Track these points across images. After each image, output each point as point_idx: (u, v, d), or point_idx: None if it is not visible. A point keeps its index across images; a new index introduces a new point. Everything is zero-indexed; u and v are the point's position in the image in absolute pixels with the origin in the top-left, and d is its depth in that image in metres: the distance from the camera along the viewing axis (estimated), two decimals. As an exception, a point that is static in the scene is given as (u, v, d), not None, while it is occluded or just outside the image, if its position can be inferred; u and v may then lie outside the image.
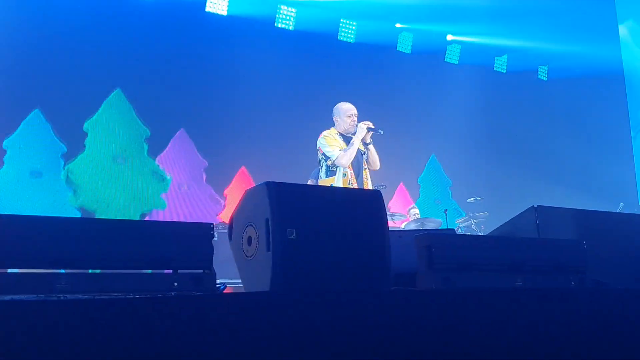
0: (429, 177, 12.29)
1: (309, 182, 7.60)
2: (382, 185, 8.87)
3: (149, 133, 9.21)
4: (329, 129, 6.04)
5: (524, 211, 3.70)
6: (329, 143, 5.88)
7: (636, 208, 11.37)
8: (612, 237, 3.44)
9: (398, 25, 12.04)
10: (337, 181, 5.77)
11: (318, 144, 5.96)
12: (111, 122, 9.03)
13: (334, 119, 6.04)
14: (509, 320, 2.98)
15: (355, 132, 5.87)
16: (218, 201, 9.84)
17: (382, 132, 6.00)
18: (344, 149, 5.82)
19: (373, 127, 5.96)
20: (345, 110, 5.99)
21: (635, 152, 13.66)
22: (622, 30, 13.44)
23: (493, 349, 2.92)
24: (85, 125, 8.91)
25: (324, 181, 5.89)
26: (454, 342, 2.84)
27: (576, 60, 13.53)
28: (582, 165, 13.30)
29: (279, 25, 11.04)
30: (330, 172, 5.87)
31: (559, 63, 13.76)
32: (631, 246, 2.29)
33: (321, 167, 5.96)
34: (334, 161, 5.82)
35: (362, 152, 6.01)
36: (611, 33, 13.49)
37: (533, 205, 3.65)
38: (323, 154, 5.89)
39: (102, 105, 9.06)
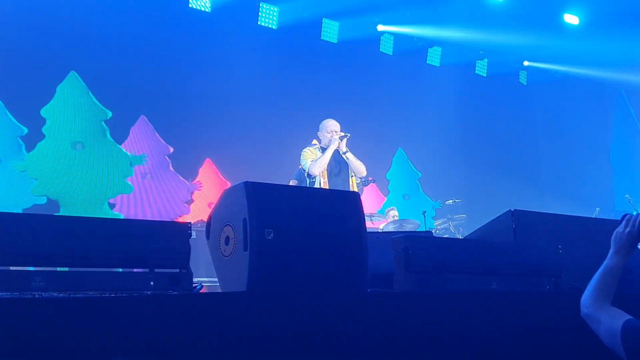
0: (397, 171, 12.33)
1: (291, 183, 7.61)
2: (371, 180, 8.89)
3: (109, 114, 9.01)
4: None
5: (501, 215, 3.73)
6: (305, 157, 6.24)
7: (612, 213, 11.49)
8: (587, 242, 3.48)
9: (380, 27, 12.06)
10: None
11: (301, 158, 6.28)
12: (65, 107, 8.75)
13: (318, 135, 6.38)
14: (484, 322, 3.01)
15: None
16: (185, 185, 9.73)
17: (348, 135, 6.29)
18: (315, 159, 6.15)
19: (342, 134, 6.24)
20: (327, 127, 6.32)
21: (612, 157, 13.83)
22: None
23: (468, 350, 2.95)
24: (43, 112, 8.68)
25: None
26: (429, 344, 2.86)
27: (555, 64, 13.67)
28: (560, 169, 13.44)
29: (262, 24, 11.01)
30: (311, 183, 6.17)
31: (538, 67, 13.88)
32: (606, 251, 2.32)
33: (306, 181, 6.26)
34: (307, 171, 6.16)
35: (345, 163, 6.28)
36: (591, 37, 13.62)
37: (510, 209, 3.68)
38: (302, 167, 6.25)
39: (58, 89, 8.81)
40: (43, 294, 2.37)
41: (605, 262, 2.33)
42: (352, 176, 6.30)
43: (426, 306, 2.97)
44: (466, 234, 6.43)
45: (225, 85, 10.15)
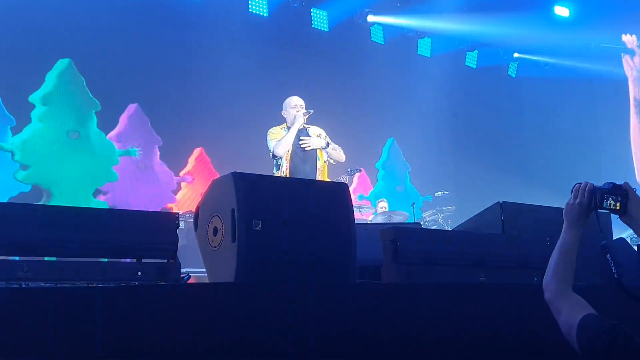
0: (389, 162, 12.35)
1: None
2: (357, 169, 8.90)
3: (99, 106, 8.98)
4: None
5: (490, 207, 3.74)
6: (271, 137, 5.74)
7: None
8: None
9: (370, 18, 12.03)
10: (280, 174, 5.64)
11: (267, 138, 5.80)
12: (62, 96, 8.70)
13: (282, 114, 5.94)
14: (472, 314, 3.02)
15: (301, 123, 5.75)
16: (172, 178, 9.72)
17: (311, 112, 5.81)
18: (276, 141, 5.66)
19: (305, 111, 5.81)
20: (289, 103, 5.89)
21: (601, 149, 13.88)
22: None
23: (455, 342, 2.96)
24: (33, 97, 8.62)
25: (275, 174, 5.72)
26: (417, 335, 2.87)
27: (545, 57, 13.71)
28: (548, 162, 13.50)
29: (253, 11, 10.95)
30: (277, 165, 5.74)
31: (528, 59, 13.92)
32: (593, 244, 2.32)
33: (271, 161, 5.82)
34: (272, 152, 5.67)
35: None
36: (581, 30, 13.65)
37: (498, 202, 3.69)
38: (267, 146, 5.76)
39: (52, 78, 8.72)
40: (30, 283, 2.36)
41: (560, 239, 2.24)
42: (325, 162, 5.90)
43: (414, 297, 2.98)
44: (455, 225, 6.45)
45: (216, 75, 10.09)
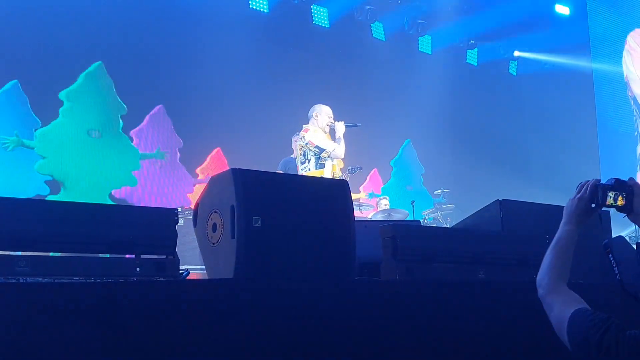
0: (403, 161, 12.37)
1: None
2: (358, 168, 8.93)
3: (126, 110, 9.05)
4: (307, 125, 6.43)
5: (489, 204, 3.74)
6: (322, 137, 6.34)
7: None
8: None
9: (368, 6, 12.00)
10: (327, 173, 6.21)
11: (306, 139, 6.29)
12: (88, 95, 8.83)
13: (314, 115, 6.47)
14: (471, 311, 3.02)
15: (327, 131, 6.43)
16: (190, 181, 9.75)
17: (359, 125, 6.71)
18: (336, 143, 6.31)
19: (349, 124, 6.55)
20: (327, 112, 6.53)
21: (601, 148, 13.89)
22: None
23: (454, 339, 2.96)
24: (61, 94, 8.71)
25: (313, 173, 6.21)
26: (416, 332, 2.87)
27: (546, 55, 13.71)
28: (548, 160, 13.50)
29: (253, 7, 10.93)
30: (320, 164, 6.25)
31: (528, 58, 13.92)
32: (592, 242, 2.32)
33: (308, 160, 6.27)
34: (330, 153, 6.25)
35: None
36: (581, 29, 13.65)
37: (498, 199, 3.69)
38: (316, 146, 6.25)
39: (81, 77, 8.85)
40: (28, 278, 2.35)
41: (557, 234, 2.18)
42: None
43: (413, 295, 2.98)
44: (454, 223, 6.45)
45: (216, 73, 10.08)
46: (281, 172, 7.88)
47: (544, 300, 2.09)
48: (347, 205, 3.06)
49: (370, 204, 10.42)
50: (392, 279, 3.04)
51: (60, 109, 8.67)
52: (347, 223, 3.00)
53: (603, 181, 2.16)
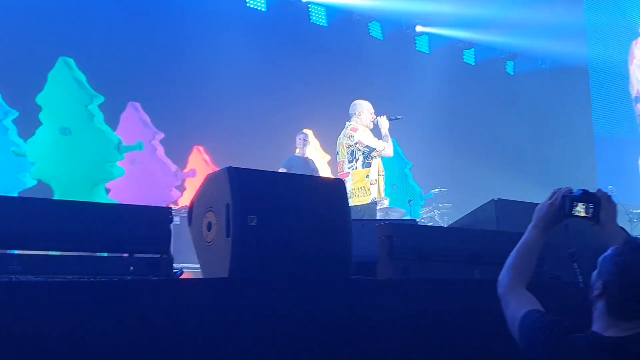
0: (387, 161, 12.31)
1: (281, 171, 7.61)
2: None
3: (102, 99, 8.93)
4: (350, 122, 6.49)
5: (484, 204, 3.74)
6: (371, 136, 6.40)
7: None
8: (569, 231, 3.48)
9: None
10: (373, 172, 6.30)
11: (356, 138, 6.32)
12: (56, 93, 8.68)
13: (357, 113, 6.51)
14: (467, 310, 3.01)
15: (371, 127, 6.51)
16: (172, 172, 9.67)
17: (402, 118, 6.90)
18: (384, 141, 6.39)
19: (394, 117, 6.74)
20: (369, 108, 6.58)
21: (596, 148, 13.90)
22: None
23: (450, 338, 2.95)
24: (38, 99, 8.60)
25: (360, 172, 6.30)
26: (412, 331, 2.86)
27: (542, 54, 13.72)
28: (544, 160, 13.51)
29: (250, 5, 10.91)
30: (367, 164, 6.30)
31: (525, 57, 13.93)
32: (587, 240, 2.31)
33: (356, 159, 6.33)
34: (380, 152, 6.32)
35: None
36: (577, 28, 13.66)
37: (493, 199, 3.69)
38: (366, 146, 6.30)
39: (48, 77, 8.73)
40: (20, 277, 2.33)
41: (523, 236, 2.25)
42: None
43: (409, 294, 2.97)
44: (451, 222, 6.44)
45: (213, 70, 10.06)
46: (285, 169, 7.88)
47: (502, 299, 2.16)
48: (344, 204, 3.05)
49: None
50: (389, 278, 3.03)
51: (40, 114, 8.58)
52: (343, 222, 2.98)
53: (576, 192, 2.25)
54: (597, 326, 1.89)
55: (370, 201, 6.25)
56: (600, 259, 1.93)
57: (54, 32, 8.91)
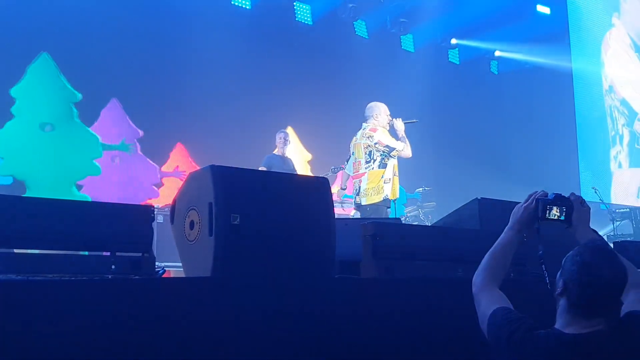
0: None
1: (261, 169, 7.61)
2: (340, 167, 8.95)
3: (80, 97, 8.84)
4: (367, 123, 6.57)
5: (468, 203, 3.75)
6: (390, 137, 6.48)
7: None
8: (551, 231, 3.51)
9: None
10: (388, 172, 6.39)
11: (375, 139, 6.39)
12: (36, 88, 8.59)
13: (374, 115, 6.58)
14: (450, 309, 3.02)
15: (388, 129, 6.56)
16: (154, 169, 9.63)
17: (417, 121, 6.89)
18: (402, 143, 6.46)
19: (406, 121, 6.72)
20: (385, 110, 6.65)
21: (580, 147, 14.01)
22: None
23: (433, 337, 2.96)
24: (12, 91, 8.50)
25: (375, 172, 6.38)
26: (395, 330, 2.86)
27: (526, 54, 13.80)
28: (528, 159, 13.59)
29: (235, 3, 10.87)
30: (383, 164, 6.39)
31: (509, 57, 14.00)
32: (569, 240, 2.33)
33: (374, 159, 6.42)
34: (399, 152, 6.40)
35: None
36: (561, 28, 13.75)
37: (476, 197, 3.70)
38: (386, 146, 6.37)
39: (28, 71, 8.61)
40: (0, 276, 2.31)
41: (499, 237, 2.32)
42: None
43: (392, 292, 2.98)
44: (435, 221, 6.46)
45: (198, 67, 10.02)
46: (264, 168, 7.89)
47: (475, 297, 2.23)
48: (327, 203, 3.04)
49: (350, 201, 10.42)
50: (372, 277, 3.03)
51: (12, 108, 8.46)
52: (327, 221, 2.98)
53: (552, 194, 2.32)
54: (558, 323, 1.97)
55: (382, 199, 6.32)
56: (564, 259, 2.00)
57: (31, 26, 8.77)
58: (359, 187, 6.45)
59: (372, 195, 6.34)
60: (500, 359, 2.01)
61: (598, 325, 1.90)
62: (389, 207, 6.45)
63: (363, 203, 6.38)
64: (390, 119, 6.62)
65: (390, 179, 6.39)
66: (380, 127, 6.52)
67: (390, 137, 6.50)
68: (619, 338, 1.90)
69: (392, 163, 6.44)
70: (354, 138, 6.73)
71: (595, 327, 1.90)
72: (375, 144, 6.41)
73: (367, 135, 6.48)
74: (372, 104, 6.74)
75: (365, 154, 6.46)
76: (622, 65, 14.39)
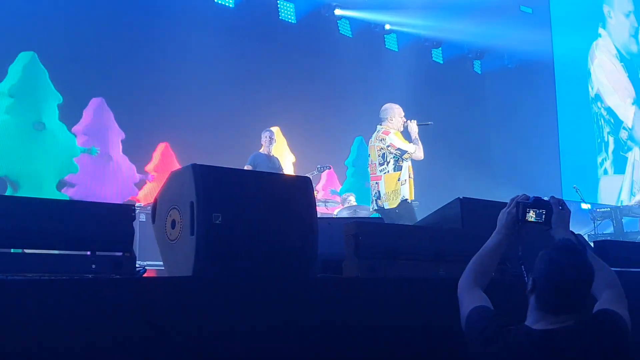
0: (358, 160, 12.35)
1: (246, 168, 7.60)
2: (326, 166, 8.97)
3: (61, 99, 8.80)
4: (381, 125, 6.62)
5: (450, 202, 3.76)
6: (403, 140, 6.55)
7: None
8: (533, 230, 3.53)
9: (337, 12, 12.01)
10: (404, 174, 6.45)
11: (388, 141, 6.46)
12: (28, 88, 8.57)
13: (389, 117, 6.66)
14: (432, 308, 3.03)
15: (401, 131, 6.64)
16: (134, 170, 9.59)
17: (431, 123, 7.00)
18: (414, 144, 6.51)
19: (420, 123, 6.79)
20: (400, 112, 6.71)
21: (561, 146, 14.13)
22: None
23: (415, 336, 2.97)
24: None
25: (391, 176, 6.45)
26: (378, 330, 2.87)
27: (508, 52, 13.88)
28: (510, 159, 13.68)
29: (219, 2, 10.83)
30: (398, 167, 6.45)
31: (492, 55, 14.08)
32: (549, 242, 2.36)
33: (387, 162, 6.48)
34: (412, 155, 6.45)
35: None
36: (543, 25, 13.84)
37: (459, 197, 3.71)
38: (398, 149, 6.44)
39: (18, 71, 8.56)
40: (-22, 276, 2.28)
41: (487, 241, 2.40)
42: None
43: (375, 292, 2.98)
44: (418, 220, 6.48)
45: (181, 66, 9.97)
46: (250, 167, 7.88)
47: (459, 298, 2.32)
48: (310, 202, 3.04)
49: (336, 200, 10.43)
50: (354, 276, 3.03)
51: (2, 106, 8.41)
52: (309, 220, 2.98)
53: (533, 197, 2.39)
54: (529, 320, 2.04)
55: (400, 201, 6.37)
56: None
57: (13, 25, 8.69)
58: (379, 192, 6.51)
59: (392, 200, 6.41)
60: (474, 354, 2.07)
61: (566, 322, 1.96)
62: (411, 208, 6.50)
63: (386, 207, 6.41)
64: (405, 120, 6.68)
65: (406, 180, 6.46)
66: (394, 129, 6.59)
67: (403, 139, 6.58)
68: (588, 334, 1.96)
69: (407, 165, 6.52)
70: (369, 140, 6.83)
71: (563, 323, 1.96)
72: (388, 146, 6.49)
73: (380, 138, 6.57)
74: (387, 105, 6.82)
75: (379, 156, 6.56)
76: (608, 75, 14.59)
